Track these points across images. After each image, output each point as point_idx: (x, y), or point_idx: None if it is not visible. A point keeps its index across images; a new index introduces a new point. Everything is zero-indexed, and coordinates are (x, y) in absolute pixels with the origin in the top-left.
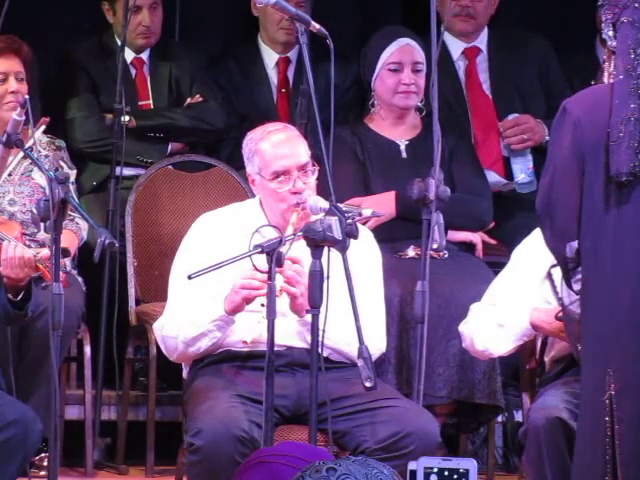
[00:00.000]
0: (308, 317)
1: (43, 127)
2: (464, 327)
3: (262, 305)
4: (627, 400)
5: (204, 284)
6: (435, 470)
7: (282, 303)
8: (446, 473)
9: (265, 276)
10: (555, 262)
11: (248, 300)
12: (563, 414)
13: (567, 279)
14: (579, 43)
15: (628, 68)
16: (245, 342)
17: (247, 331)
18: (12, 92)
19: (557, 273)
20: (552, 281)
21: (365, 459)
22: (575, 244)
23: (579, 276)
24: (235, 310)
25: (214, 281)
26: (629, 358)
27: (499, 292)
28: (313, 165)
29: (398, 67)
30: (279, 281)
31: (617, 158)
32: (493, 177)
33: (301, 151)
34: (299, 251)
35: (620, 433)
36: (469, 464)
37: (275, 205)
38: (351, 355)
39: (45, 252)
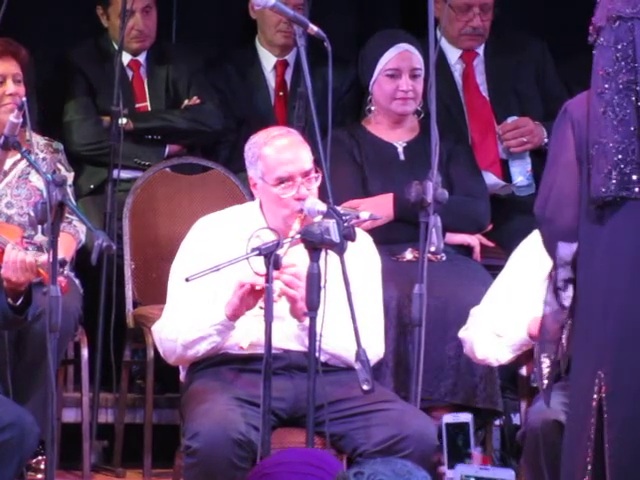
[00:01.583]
0: (307, 321)
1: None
2: (464, 334)
3: (260, 308)
4: (618, 403)
5: (203, 287)
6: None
7: (280, 307)
8: None
9: (264, 279)
10: None
11: (248, 305)
12: (561, 417)
13: (554, 284)
14: (579, 46)
15: (599, 91)
16: (242, 347)
17: (244, 336)
18: (10, 94)
19: None
20: None
21: (384, 458)
22: (575, 246)
23: (570, 292)
24: (236, 315)
25: (213, 284)
26: (621, 361)
27: (498, 297)
28: (316, 172)
29: (396, 73)
30: (278, 285)
31: (593, 182)
32: (491, 179)
33: (305, 157)
34: (297, 255)
35: (611, 436)
36: (507, 474)
37: (278, 210)
38: (350, 361)
39: (46, 257)
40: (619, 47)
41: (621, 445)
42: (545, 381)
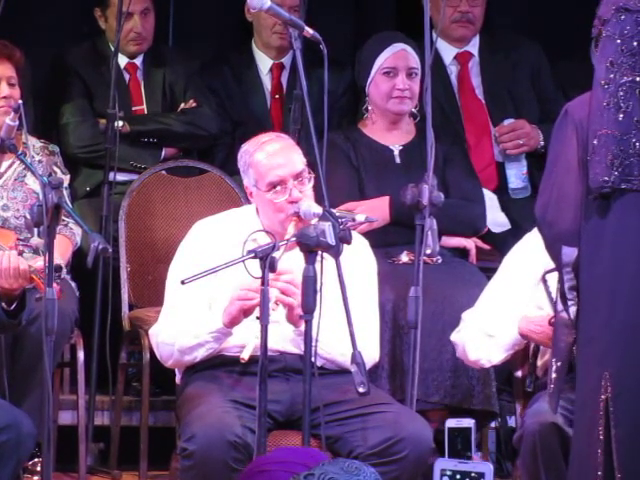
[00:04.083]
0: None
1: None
2: (456, 337)
3: (257, 318)
4: (625, 403)
5: (200, 291)
6: (448, 473)
7: (276, 312)
8: (458, 477)
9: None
10: (550, 267)
11: (246, 312)
12: (558, 419)
13: (562, 289)
14: (575, 48)
15: (603, 83)
16: (243, 359)
17: (244, 348)
18: (4, 97)
19: (552, 278)
20: (547, 287)
21: (335, 459)
22: (575, 250)
23: (574, 298)
24: (233, 323)
25: (210, 288)
26: (627, 361)
27: (490, 300)
28: (309, 173)
29: (392, 72)
30: (274, 292)
31: (592, 172)
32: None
33: (296, 160)
34: (293, 260)
35: (617, 436)
36: (485, 468)
37: (273, 216)
38: (346, 365)
39: (40, 263)
40: (624, 39)
41: (629, 444)
42: (552, 386)
